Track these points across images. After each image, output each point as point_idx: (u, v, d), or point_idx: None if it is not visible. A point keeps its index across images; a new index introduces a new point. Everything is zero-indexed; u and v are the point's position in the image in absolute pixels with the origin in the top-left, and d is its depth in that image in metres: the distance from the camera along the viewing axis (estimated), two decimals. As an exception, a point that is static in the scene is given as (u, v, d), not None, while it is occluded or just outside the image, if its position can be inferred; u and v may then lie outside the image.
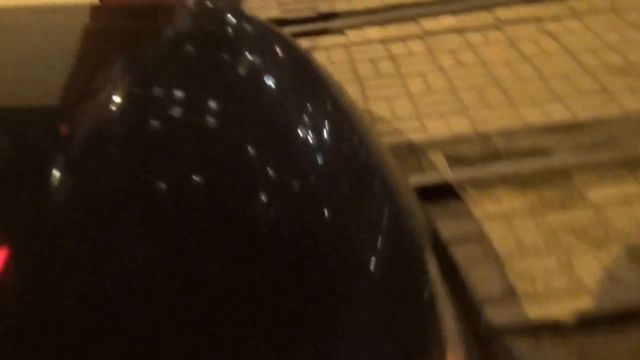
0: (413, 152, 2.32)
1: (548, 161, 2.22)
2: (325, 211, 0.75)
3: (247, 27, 1.20)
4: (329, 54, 3.03)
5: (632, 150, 2.21)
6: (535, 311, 1.68)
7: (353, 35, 3.18)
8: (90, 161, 0.78)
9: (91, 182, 0.75)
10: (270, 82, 1.03)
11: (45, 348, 0.57)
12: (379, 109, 2.58)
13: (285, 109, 0.94)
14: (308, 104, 0.98)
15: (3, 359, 0.55)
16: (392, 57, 2.95)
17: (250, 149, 0.83)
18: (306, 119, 0.94)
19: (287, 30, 3.15)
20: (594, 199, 2.03)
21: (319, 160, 0.85)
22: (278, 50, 1.14)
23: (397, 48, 3.03)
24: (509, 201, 2.05)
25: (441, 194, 2.10)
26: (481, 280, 1.76)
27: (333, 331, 0.62)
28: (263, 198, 0.75)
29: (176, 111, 0.89)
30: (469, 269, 1.80)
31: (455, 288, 0.86)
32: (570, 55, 2.81)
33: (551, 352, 1.58)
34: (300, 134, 0.89)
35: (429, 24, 3.20)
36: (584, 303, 1.70)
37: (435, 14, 3.25)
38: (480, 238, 1.91)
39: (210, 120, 0.89)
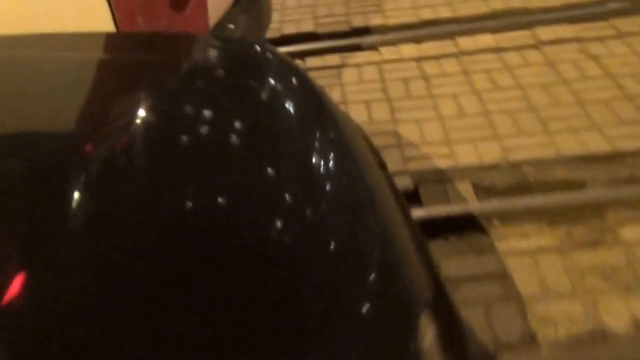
0: (439, 181, 2.26)
1: (581, 195, 2.14)
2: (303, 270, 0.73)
3: (262, 60, 1.19)
4: (359, 72, 2.99)
5: (671, 186, 2.11)
6: (555, 360, 1.62)
7: (386, 52, 3.13)
8: (113, 188, 0.80)
9: (114, 207, 0.77)
10: (279, 117, 1.03)
11: None
12: (407, 132, 2.53)
13: (289, 144, 0.94)
14: (311, 140, 0.98)
15: None
16: (425, 77, 2.89)
17: (247, 185, 0.85)
18: (307, 155, 0.93)
19: (318, 46, 3.17)
20: (626, 238, 1.94)
21: (309, 199, 0.84)
22: (292, 86, 1.13)
23: (430, 67, 2.96)
24: (536, 237, 1.98)
25: (465, 225, 2.05)
26: (500, 322, 1.71)
27: None
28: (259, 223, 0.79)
29: (190, 139, 0.91)
30: (488, 309, 1.74)
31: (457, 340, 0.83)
32: (612, 80, 2.70)
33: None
34: (291, 174, 0.88)
35: (465, 42, 3.12)
36: (609, 353, 1.62)
37: (472, 32, 3.17)
38: (503, 276, 1.85)
39: (223, 153, 0.91)
